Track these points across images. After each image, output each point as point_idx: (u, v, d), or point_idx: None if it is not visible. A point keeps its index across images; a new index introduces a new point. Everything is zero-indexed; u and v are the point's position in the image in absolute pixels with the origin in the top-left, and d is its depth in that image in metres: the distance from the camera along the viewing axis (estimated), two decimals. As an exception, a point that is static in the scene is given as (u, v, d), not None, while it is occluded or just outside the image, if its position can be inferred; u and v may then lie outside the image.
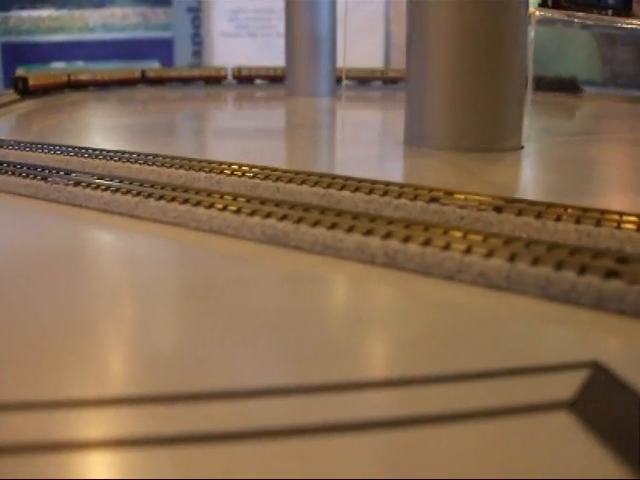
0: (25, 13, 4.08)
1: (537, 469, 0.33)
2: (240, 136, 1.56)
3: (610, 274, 0.52)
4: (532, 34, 1.29)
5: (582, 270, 0.52)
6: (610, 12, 1.53)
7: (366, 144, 1.36)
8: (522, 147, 1.20)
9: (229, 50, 3.96)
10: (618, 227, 0.65)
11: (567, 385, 0.40)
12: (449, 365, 0.43)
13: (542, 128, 1.56)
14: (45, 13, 4.10)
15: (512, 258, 0.55)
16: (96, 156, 1.01)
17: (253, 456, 0.33)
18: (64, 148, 1.07)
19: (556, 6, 1.44)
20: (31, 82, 2.13)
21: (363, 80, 2.81)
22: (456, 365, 0.43)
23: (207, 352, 0.45)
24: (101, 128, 1.76)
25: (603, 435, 0.35)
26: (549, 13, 1.36)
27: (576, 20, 1.40)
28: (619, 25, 1.52)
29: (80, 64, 3.91)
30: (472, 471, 0.32)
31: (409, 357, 0.46)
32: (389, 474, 0.32)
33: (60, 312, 0.51)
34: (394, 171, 1.12)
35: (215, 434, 0.35)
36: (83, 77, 2.57)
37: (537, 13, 1.30)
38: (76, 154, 1.03)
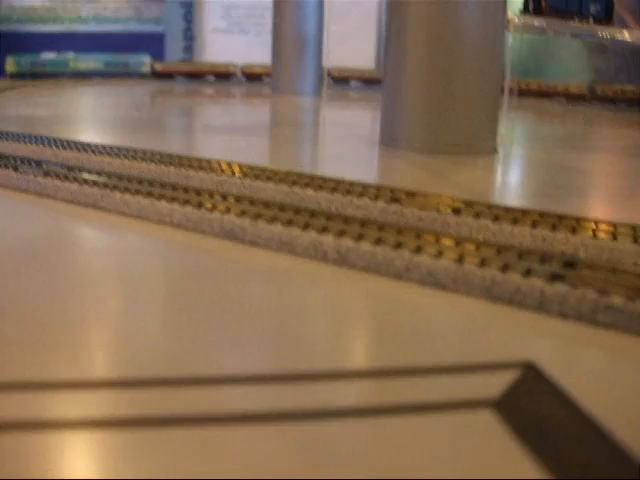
0: (17, 2, 4.06)
1: (452, 466, 0.33)
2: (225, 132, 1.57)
3: (554, 278, 0.53)
4: (510, 40, 1.30)
5: (527, 273, 0.53)
6: (591, 20, 1.54)
7: (341, 144, 1.36)
8: (496, 151, 1.21)
9: (220, 46, 3.96)
10: (573, 232, 0.66)
11: (496, 384, 0.41)
12: (386, 361, 0.44)
13: (519, 133, 1.57)
14: (37, 3, 4.09)
15: (460, 259, 0.56)
16: (69, 147, 1.02)
17: (230, 440, 0.34)
18: (38, 138, 1.07)
19: (537, 13, 1.45)
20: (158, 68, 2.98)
21: (347, 79, 2.82)
22: (395, 361, 0.44)
23: (177, 342, 0.46)
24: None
25: (524, 434, 0.36)
26: (529, 20, 1.37)
27: (556, 27, 1.41)
28: (599, 34, 1.53)
29: (71, 55, 3.89)
30: (391, 465, 0.33)
31: (350, 353, 0.47)
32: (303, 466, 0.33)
33: (32, 300, 0.52)
34: (364, 171, 1.13)
35: (193, 417, 0.36)
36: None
37: (516, 19, 1.31)
38: (49, 145, 1.03)
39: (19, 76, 3.18)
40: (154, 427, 0.35)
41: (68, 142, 1.04)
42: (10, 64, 3.60)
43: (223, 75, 3.42)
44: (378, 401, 0.39)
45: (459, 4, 1.13)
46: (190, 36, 4.11)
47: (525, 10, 1.45)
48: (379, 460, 0.33)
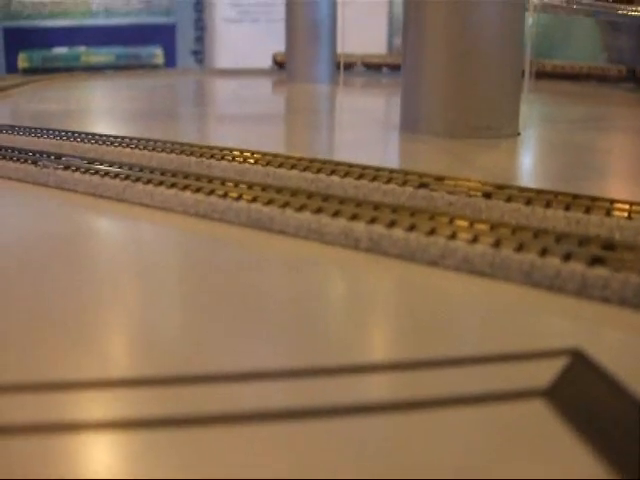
0: (27, -2, 4.06)
1: (506, 456, 0.32)
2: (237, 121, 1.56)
3: (595, 261, 0.51)
4: (530, 20, 1.27)
5: (567, 257, 0.52)
6: (611, -1, 1.51)
7: (360, 130, 1.35)
8: (519, 134, 1.19)
9: (232, 36, 3.94)
10: (608, 214, 0.64)
11: (545, 373, 0.39)
12: (430, 351, 0.42)
13: (540, 115, 1.55)
14: (47, -2, 4.08)
15: (497, 244, 0.54)
16: (88, 140, 1.01)
17: (252, 438, 0.33)
18: (56, 132, 1.06)
19: (555, -7, 1.42)
20: (278, 59, 2.97)
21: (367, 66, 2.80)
22: (436, 351, 0.42)
23: (206, 335, 0.45)
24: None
25: (577, 423, 0.35)
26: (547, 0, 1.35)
27: (575, 7, 1.38)
28: (620, 12, 1.50)
29: (82, 49, 3.89)
30: (446, 456, 0.32)
31: (389, 343, 0.46)
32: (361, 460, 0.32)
33: (54, 295, 0.51)
34: (388, 157, 1.11)
35: (214, 416, 0.35)
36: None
37: (535, 0, 1.29)
38: (68, 138, 1.02)
39: (31, 72, 3.17)
40: (177, 426, 0.34)
41: (87, 135, 1.03)
42: (22, 60, 3.59)
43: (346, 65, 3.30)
44: (420, 394, 0.37)
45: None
46: (201, 26, 4.09)
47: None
48: (426, 455, 0.32)
